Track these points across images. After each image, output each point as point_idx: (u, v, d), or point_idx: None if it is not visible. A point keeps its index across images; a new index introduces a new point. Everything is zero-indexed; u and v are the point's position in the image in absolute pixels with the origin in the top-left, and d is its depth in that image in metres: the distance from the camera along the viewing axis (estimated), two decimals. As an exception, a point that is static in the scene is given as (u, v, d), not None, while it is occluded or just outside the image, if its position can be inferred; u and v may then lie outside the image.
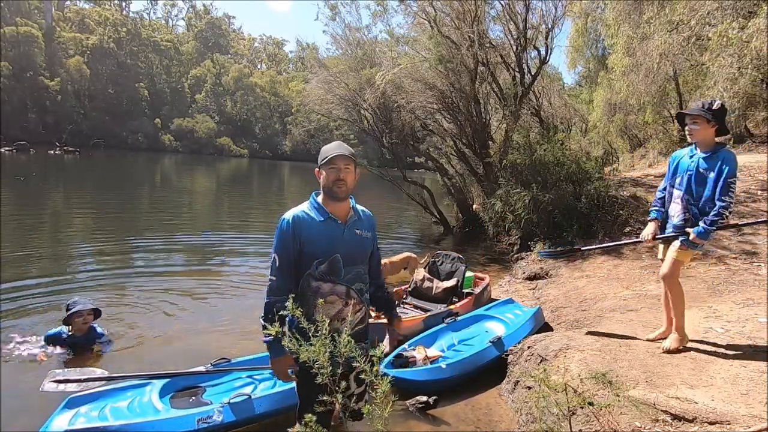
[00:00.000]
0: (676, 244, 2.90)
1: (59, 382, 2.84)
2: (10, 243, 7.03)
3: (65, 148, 35.56)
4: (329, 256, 1.92)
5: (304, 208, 1.99)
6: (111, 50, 48.57)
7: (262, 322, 1.84)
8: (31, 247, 7.05)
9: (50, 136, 39.81)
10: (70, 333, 3.71)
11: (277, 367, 1.93)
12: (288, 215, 1.95)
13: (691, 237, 2.81)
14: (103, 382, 2.91)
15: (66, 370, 3.07)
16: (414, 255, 6.34)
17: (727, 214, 2.74)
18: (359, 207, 2.08)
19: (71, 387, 2.81)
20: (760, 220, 4.76)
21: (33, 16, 47.19)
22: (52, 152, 33.40)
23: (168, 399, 2.82)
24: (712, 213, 2.76)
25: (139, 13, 64.96)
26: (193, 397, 2.91)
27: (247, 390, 2.95)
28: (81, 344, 3.71)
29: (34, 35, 42.73)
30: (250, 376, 3.19)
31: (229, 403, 2.66)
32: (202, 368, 3.10)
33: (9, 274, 5.51)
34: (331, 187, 1.94)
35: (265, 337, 1.82)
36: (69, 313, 3.68)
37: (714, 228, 2.75)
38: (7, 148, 29.92)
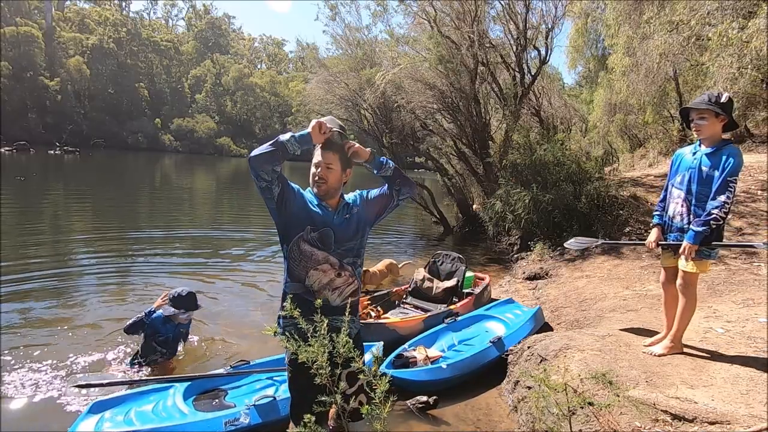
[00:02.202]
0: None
1: (82, 386, 2.86)
2: (11, 242, 7.06)
3: (65, 148, 35.64)
4: (321, 227, 1.96)
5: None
6: (111, 50, 48.58)
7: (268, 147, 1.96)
8: (31, 245, 7.08)
9: (50, 136, 39.91)
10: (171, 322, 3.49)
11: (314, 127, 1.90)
12: None
13: (683, 248, 2.66)
14: (125, 386, 2.93)
15: (88, 374, 3.09)
16: (394, 261, 6.29)
17: (722, 215, 2.56)
18: (347, 195, 2.12)
19: (94, 392, 2.84)
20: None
21: (33, 16, 47.23)
22: (52, 152, 33.41)
23: (191, 402, 2.83)
24: (704, 213, 2.62)
25: (139, 13, 65.23)
26: (216, 400, 2.93)
27: (270, 392, 2.97)
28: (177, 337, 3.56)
29: (34, 35, 42.74)
30: (270, 378, 3.20)
31: (254, 405, 2.67)
32: (222, 370, 3.11)
33: (9, 273, 5.54)
34: (312, 182, 2.02)
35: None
36: (184, 313, 3.45)
37: (704, 229, 2.59)
38: (7, 148, 29.96)
